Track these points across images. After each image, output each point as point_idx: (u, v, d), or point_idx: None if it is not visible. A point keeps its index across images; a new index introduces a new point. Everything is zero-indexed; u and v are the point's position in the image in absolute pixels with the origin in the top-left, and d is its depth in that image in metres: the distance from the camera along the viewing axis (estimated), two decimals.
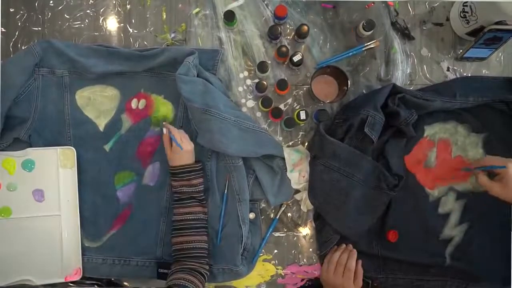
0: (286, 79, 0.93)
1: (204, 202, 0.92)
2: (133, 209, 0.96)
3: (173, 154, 0.89)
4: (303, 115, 0.91)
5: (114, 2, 0.99)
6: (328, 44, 0.98)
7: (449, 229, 0.95)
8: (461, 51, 0.97)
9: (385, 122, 0.90)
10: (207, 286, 0.97)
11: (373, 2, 0.98)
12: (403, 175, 0.91)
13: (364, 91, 0.97)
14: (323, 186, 0.90)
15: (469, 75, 0.99)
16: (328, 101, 0.93)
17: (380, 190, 0.89)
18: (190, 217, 0.88)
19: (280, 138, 0.98)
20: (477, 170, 0.88)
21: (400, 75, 0.98)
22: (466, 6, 0.91)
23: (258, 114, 0.98)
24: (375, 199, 0.90)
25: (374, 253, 0.94)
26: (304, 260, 0.97)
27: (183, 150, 0.87)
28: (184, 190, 0.88)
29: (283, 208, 0.97)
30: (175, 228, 0.88)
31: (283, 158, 0.93)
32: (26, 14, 0.98)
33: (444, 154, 0.96)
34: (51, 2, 0.99)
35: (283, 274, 0.97)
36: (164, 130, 0.90)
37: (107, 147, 0.96)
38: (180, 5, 0.99)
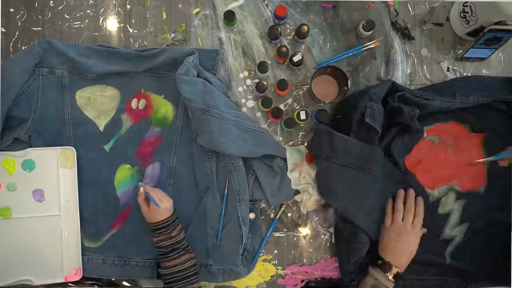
0: (286, 79, 0.93)
1: (189, 248, 0.90)
2: (133, 209, 0.96)
3: (150, 212, 0.87)
4: (303, 115, 0.91)
5: (114, 2, 0.99)
6: (328, 44, 0.99)
7: (450, 229, 0.95)
8: (461, 51, 0.97)
9: (389, 120, 0.90)
10: (207, 286, 0.97)
11: (373, 2, 0.98)
12: (403, 172, 0.92)
13: None
14: (344, 186, 0.88)
15: (469, 75, 0.99)
16: (328, 101, 0.93)
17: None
18: (179, 268, 0.86)
19: (280, 138, 0.98)
20: (502, 156, 0.86)
21: (400, 75, 0.98)
22: (466, 6, 0.91)
23: (258, 114, 0.98)
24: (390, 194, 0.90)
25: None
26: (304, 260, 0.97)
27: (161, 208, 0.86)
28: (165, 244, 0.87)
29: (283, 208, 0.97)
30: (165, 283, 0.87)
31: (284, 158, 0.93)
32: (26, 14, 0.98)
33: (444, 154, 0.96)
34: (51, 2, 0.99)
35: (283, 274, 0.97)
36: (141, 189, 0.89)
37: (107, 147, 0.96)
38: (180, 5, 0.99)
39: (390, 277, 0.83)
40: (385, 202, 0.90)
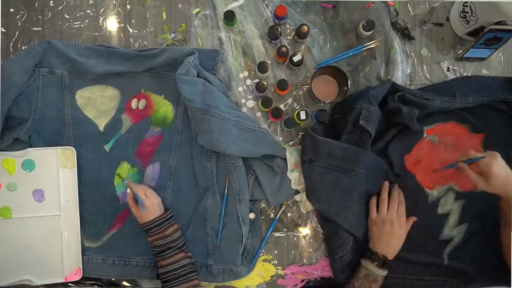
0: (286, 79, 0.93)
1: (185, 247, 0.90)
2: None
3: (140, 211, 0.87)
4: (303, 115, 0.91)
5: (114, 2, 0.99)
6: (328, 44, 0.98)
7: (449, 229, 0.95)
8: (461, 51, 0.97)
9: (388, 121, 0.90)
10: (207, 286, 0.97)
11: (373, 2, 0.98)
12: (401, 174, 0.92)
13: None
14: (326, 188, 0.89)
15: (469, 75, 0.99)
16: (328, 101, 0.93)
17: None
18: (175, 267, 0.86)
19: (280, 138, 0.98)
20: (461, 164, 0.85)
21: (400, 75, 0.98)
22: (466, 6, 0.91)
23: (258, 114, 0.98)
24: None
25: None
26: (304, 260, 0.97)
27: (145, 209, 0.86)
28: (159, 243, 0.87)
29: (283, 208, 0.97)
30: (163, 281, 0.87)
31: (284, 158, 0.93)
32: (26, 14, 0.98)
33: (444, 154, 0.96)
34: (51, 2, 0.99)
35: (283, 274, 0.97)
36: (128, 190, 0.89)
37: (107, 147, 0.96)
38: (180, 5, 0.99)
39: (379, 266, 0.86)
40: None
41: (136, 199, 0.88)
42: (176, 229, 0.89)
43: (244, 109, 0.98)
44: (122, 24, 0.99)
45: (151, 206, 0.87)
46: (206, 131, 0.89)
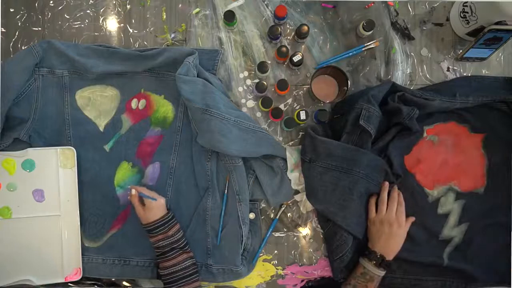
0: (286, 79, 0.93)
1: (187, 248, 0.90)
2: (133, 209, 0.95)
3: (146, 212, 0.87)
4: (303, 115, 0.91)
5: (114, 2, 0.99)
6: (328, 44, 0.99)
7: (449, 229, 0.95)
8: (461, 51, 0.97)
9: (388, 121, 0.91)
10: (207, 286, 0.97)
11: (373, 2, 0.98)
12: (401, 174, 0.92)
13: None
14: (325, 188, 0.89)
15: (469, 75, 0.99)
16: (328, 101, 0.93)
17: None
18: (177, 268, 0.86)
19: (280, 138, 0.98)
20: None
21: (400, 75, 0.98)
22: (466, 6, 0.91)
23: (258, 114, 0.98)
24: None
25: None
26: (304, 260, 0.97)
27: (157, 201, 0.87)
28: (162, 244, 0.87)
29: (283, 208, 0.97)
30: (165, 283, 0.87)
31: (284, 158, 0.93)
32: (26, 14, 0.98)
33: (444, 154, 0.96)
34: (51, 2, 0.99)
35: (283, 274, 0.97)
36: (133, 191, 0.88)
37: (107, 147, 0.96)
38: (180, 5, 0.99)
39: (376, 265, 0.86)
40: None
41: (142, 200, 0.88)
42: (178, 230, 0.89)
43: (244, 109, 0.98)
44: (122, 24, 0.99)
45: (159, 204, 0.87)
46: (206, 131, 0.89)
